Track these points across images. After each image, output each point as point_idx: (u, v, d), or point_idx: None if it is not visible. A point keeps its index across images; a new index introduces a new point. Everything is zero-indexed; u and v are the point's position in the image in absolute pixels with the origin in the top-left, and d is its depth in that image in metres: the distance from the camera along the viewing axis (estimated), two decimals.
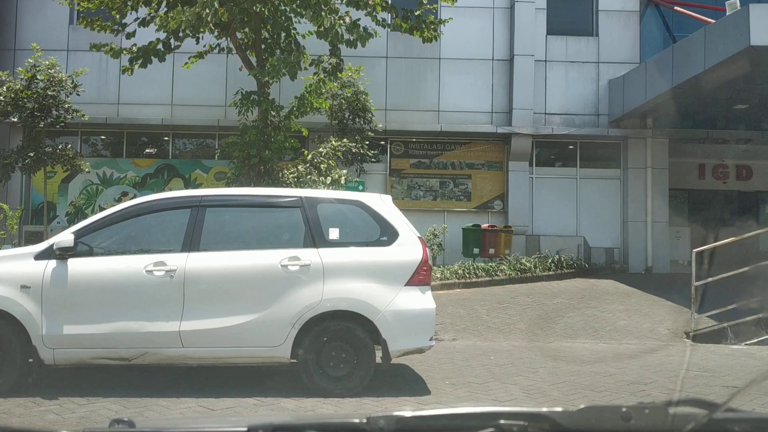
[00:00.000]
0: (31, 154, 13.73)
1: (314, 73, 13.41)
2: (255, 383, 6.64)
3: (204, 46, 14.10)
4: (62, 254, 6.15)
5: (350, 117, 15.79)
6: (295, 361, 6.26)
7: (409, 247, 6.51)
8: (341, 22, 12.06)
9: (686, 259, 17.63)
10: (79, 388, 6.20)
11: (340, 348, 6.29)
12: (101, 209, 14.03)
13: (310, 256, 6.33)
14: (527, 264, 14.92)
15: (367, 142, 15.62)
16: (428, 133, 17.85)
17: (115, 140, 18.31)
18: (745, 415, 1.79)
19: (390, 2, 13.39)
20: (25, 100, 13.73)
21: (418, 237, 6.66)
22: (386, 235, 6.54)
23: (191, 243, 6.31)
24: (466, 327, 10.58)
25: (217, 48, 14.24)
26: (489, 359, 8.31)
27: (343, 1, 12.65)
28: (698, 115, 17.11)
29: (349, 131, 15.51)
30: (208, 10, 11.06)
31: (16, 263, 6.22)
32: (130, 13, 13.41)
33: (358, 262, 6.40)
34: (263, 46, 13.44)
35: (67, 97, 14.13)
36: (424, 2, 13.71)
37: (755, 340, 10.05)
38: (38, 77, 13.89)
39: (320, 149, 13.45)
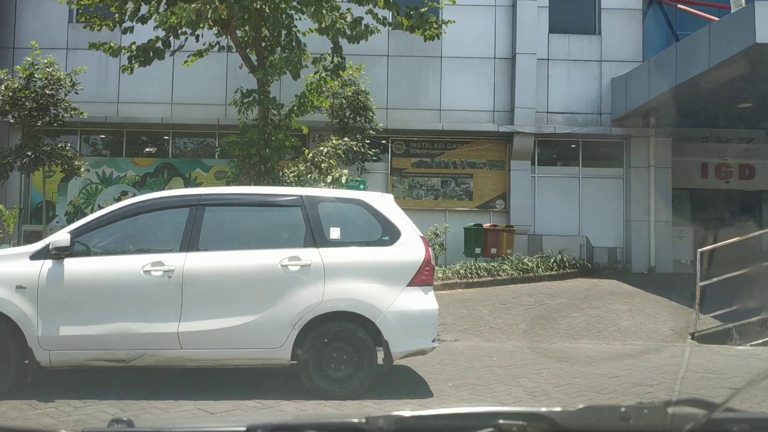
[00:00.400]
0: (30, 153, 13.63)
1: (315, 72, 13.32)
2: (255, 385, 6.53)
3: (204, 45, 14.00)
4: (58, 254, 6.05)
5: (351, 116, 15.69)
6: (295, 362, 6.15)
7: (411, 246, 6.40)
8: (342, 20, 11.97)
9: (689, 258, 17.55)
10: (76, 391, 6.10)
11: (341, 349, 6.18)
12: (101, 209, 13.93)
13: (310, 256, 6.22)
14: (529, 264, 14.82)
15: (368, 141, 15.53)
16: (430, 132, 17.75)
17: (115, 139, 18.22)
18: (744, 415, 1.78)
19: (392, 0, 13.29)
20: (24, 98, 13.63)
21: (421, 236, 6.55)
22: (388, 234, 6.43)
23: (190, 242, 6.20)
24: (468, 327, 10.48)
25: (217, 46, 14.14)
26: (492, 360, 8.20)
27: None
28: (701, 113, 16.99)
29: (350, 130, 15.41)
30: (207, 7, 10.97)
31: (12, 263, 6.11)
32: (130, 11, 13.32)
33: (360, 262, 6.29)
34: (264, 44, 13.34)
35: (66, 95, 14.03)
36: (428, 1, 13.61)
37: (761, 341, 9.93)
38: (36, 76, 13.78)
39: (321, 148, 13.37)
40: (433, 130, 17.59)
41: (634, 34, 18.06)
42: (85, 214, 16.44)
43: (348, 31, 12.24)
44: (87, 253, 6.17)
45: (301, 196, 6.57)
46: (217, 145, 17.52)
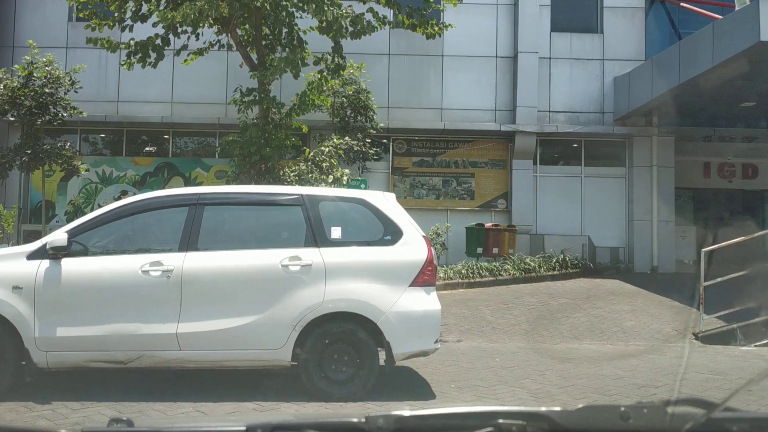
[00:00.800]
0: (29, 152, 13.55)
1: (318, 71, 13.23)
2: (254, 387, 6.45)
3: (204, 43, 13.92)
4: (55, 254, 5.96)
5: (352, 115, 15.61)
6: (295, 364, 6.06)
7: (413, 246, 6.31)
8: (344, 13, 11.89)
9: (691, 258, 17.48)
10: (74, 392, 6.01)
11: (343, 351, 6.09)
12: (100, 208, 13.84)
13: (311, 255, 6.13)
14: (531, 264, 14.74)
15: (369, 141, 15.45)
16: (431, 131, 17.67)
17: (115, 138, 18.15)
18: (743, 415, 1.77)
19: None
20: (23, 97, 13.55)
21: (423, 236, 6.46)
22: (390, 234, 6.34)
23: (189, 242, 6.12)
24: (470, 328, 10.39)
25: (218, 44, 14.06)
26: (495, 361, 8.12)
27: None
28: (704, 112, 16.90)
29: (350, 129, 15.33)
30: (210, 6, 10.90)
31: (8, 263, 6.02)
32: (130, 9, 13.25)
33: (361, 262, 6.20)
34: (264, 43, 13.26)
35: (66, 94, 13.95)
36: (431, 1, 13.53)
37: (765, 342, 9.83)
38: (35, 74, 13.70)
39: (322, 147, 13.29)
40: (435, 129, 17.51)
41: (636, 33, 17.97)
42: (84, 214, 16.36)
43: (349, 27, 12.15)
44: (85, 252, 6.08)
45: (301, 195, 6.48)
46: (217, 145, 17.43)
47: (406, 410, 1.70)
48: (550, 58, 17.76)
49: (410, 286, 6.19)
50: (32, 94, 13.57)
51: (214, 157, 17.71)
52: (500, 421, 1.66)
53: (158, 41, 13.18)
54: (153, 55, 13.25)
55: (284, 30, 13.10)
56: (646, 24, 18.07)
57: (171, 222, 6.36)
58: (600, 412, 1.74)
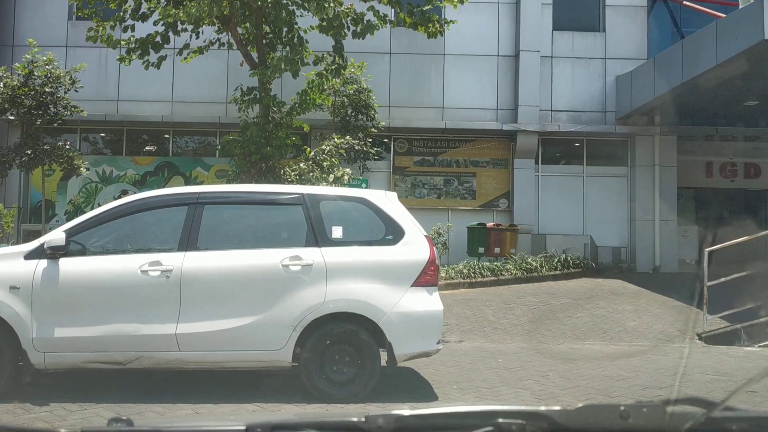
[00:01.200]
0: (29, 152, 13.48)
1: (316, 72, 13.16)
2: (255, 388, 6.38)
3: (204, 41, 13.85)
4: (53, 253, 5.89)
5: (353, 114, 15.55)
6: (296, 365, 5.98)
7: (415, 246, 6.24)
8: (345, 12, 11.82)
9: (694, 258, 17.41)
10: (71, 394, 5.95)
11: (344, 351, 6.02)
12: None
13: (312, 255, 6.06)
14: (533, 263, 14.67)
15: (370, 140, 15.38)
16: (432, 131, 17.61)
17: (115, 138, 18.09)
18: (743, 414, 1.78)
19: None
20: (23, 96, 13.49)
21: (425, 236, 6.39)
22: (392, 233, 6.27)
23: (188, 242, 6.04)
24: (472, 328, 10.32)
25: (218, 43, 13.99)
26: (497, 362, 8.05)
27: None
28: (707, 111, 16.82)
29: (351, 128, 15.27)
30: (207, 7, 10.85)
31: (5, 263, 5.96)
32: (130, 7, 13.19)
33: (363, 261, 6.13)
34: (265, 42, 13.19)
35: (66, 93, 13.89)
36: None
37: None
38: (36, 73, 13.64)
39: (323, 147, 13.22)
40: (436, 128, 17.44)
41: (638, 32, 17.90)
42: (84, 214, 16.29)
43: (351, 26, 12.08)
44: (83, 252, 6.02)
45: (302, 194, 6.40)
46: (217, 144, 17.37)
47: (405, 409, 1.69)
48: (552, 56, 17.69)
49: (412, 286, 6.11)
50: (32, 93, 13.51)
51: (215, 157, 17.66)
52: (500, 420, 1.65)
53: (158, 38, 13.11)
54: (152, 53, 13.17)
55: (285, 29, 13.01)
56: (648, 23, 17.99)
57: (170, 221, 6.29)
58: (600, 411, 1.74)
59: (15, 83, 13.58)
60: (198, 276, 5.95)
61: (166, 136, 18.07)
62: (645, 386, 6.86)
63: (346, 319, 6.04)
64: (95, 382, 6.39)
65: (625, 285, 14.13)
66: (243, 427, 1.71)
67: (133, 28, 13.29)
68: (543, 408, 1.70)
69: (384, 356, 6.14)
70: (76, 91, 14.03)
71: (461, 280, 13.54)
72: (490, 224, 15.99)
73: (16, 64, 14.26)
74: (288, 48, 12.85)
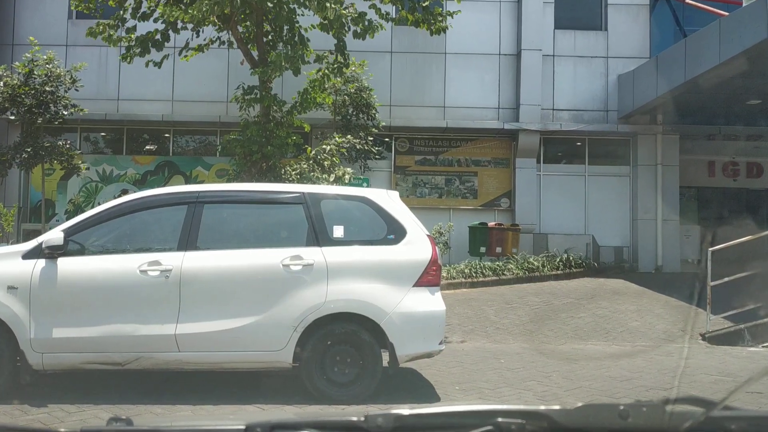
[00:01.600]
0: (29, 150, 13.43)
1: (318, 69, 13.10)
2: (255, 389, 6.33)
3: (205, 40, 13.79)
4: (51, 253, 5.82)
5: (354, 113, 15.49)
6: (297, 365, 5.92)
7: (417, 245, 6.17)
8: (346, 12, 11.75)
9: (696, 257, 17.34)
10: (70, 395, 5.88)
11: (345, 352, 5.95)
12: None
13: (313, 255, 5.99)
14: (535, 263, 14.62)
15: (372, 139, 15.32)
16: (433, 130, 17.54)
17: (115, 137, 18.03)
18: (742, 413, 1.77)
19: None
20: (23, 95, 13.43)
21: (427, 235, 6.32)
22: (393, 233, 6.20)
23: (188, 241, 5.98)
24: (474, 328, 10.26)
25: (218, 41, 13.92)
26: (499, 362, 7.99)
27: None
28: (709, 110, 16.75)
29: (352, 127, 15.21)
30: (208, 9, 10.79)
31: (3, 263, 5.90)
32: (130, 6, 13.13)
33: (364, 261, 6.06)
34: (265, 40, 13.12)
35: (66, 92, 13.83)
36: None
37: None
38: (36, 72, 13.58)
39: (324, 146, 13.15)
40: (437, 127, 17.38)
41: (641, 30, 17.84)
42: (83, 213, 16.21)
43: (352, 26, 12.01)
44: (81, 252, 5.95)
45: (303, 193, 6.33)
46: (218, 143, 17.31)
47: (405, 409, 1.68)
48: (553, 55, 17.63)
49: (414, 286, 6.05)
50: (32, 92, 13.45)
51: (215, 156, 17.60)
52: (499, 419, 1.65)
53: (158, 36, 13.05)
54: (153, 51, 13.11)
55: (286, 27, 12.94)
56: (650, 21, 17.92)
57: (170, 221, 6.22)
58: (599, 411, 1.74)
59: (15, 82, 13.53)
60: (198, 276, 5.89)
61: (167, 135, 18.01)
62: (649, 387, 6.80)
63: (347, 320, 5.97)
64: (94, 383, 6.34)
65: (628, 285, 14.07)
66: (242, 427, 1.70)
67: (135, 28, 13.24)
68: (542, 407, 1.69)
69: (386, 357, 6.07)
70: (77, 90, 13.97)
71: (463, 280, 13.49)
72: (491, 224, 15.93)
73: (17, 63, 14.20)
74: (289, 46, 12.78)
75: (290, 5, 12.21)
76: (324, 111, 14.98)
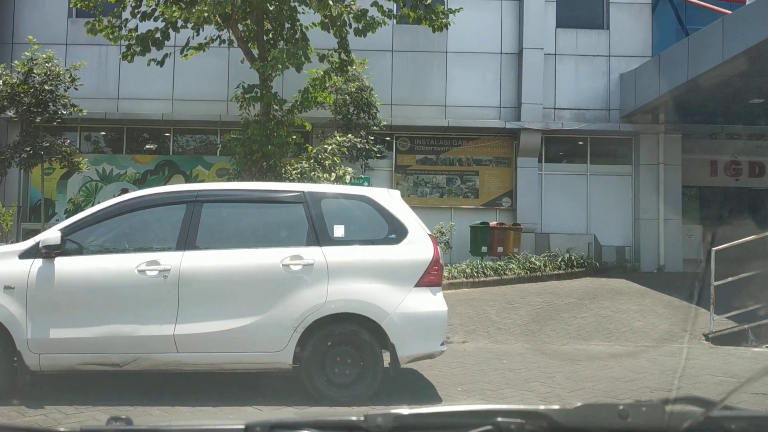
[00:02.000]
0: (28, 149, 13.37)
1: (323, 70, 13.01)
2: (255, 390, 6.25)
3: (205, 38, 13.72)
4: (48, 253, 5.75)
5: (355, 112, 15.42)
6: (297, 366, 5.85)
7: (419, 245, 6.10)
8: (348, 9, 11.68)
9: (698, 257, 17.25)
10: (68, 396, 5.82)
11: (346, 353, 5.88)
12: None
13: (313, 254, 5.92)
14: (537, 263, 14.55)
15: (372, 138, 15.25)
16: (435, 129, 17.47)
17: (115, 136, 17.98)
18: (742, 413, 1.77)
19: None
20: (22, 94, 13.37)
21: (429, 235, 6.25)
22: (395, 232, 6.12)
23: (187, 241, 5.90)
24: (476, 329, 10.19)
25: (218, 40, 13.85)
26: (502, 363, 7.91)
27: None
28: (712, 109, 16.68)
29: (353, 126, 15.14)
30: (209, 9, 10.73)
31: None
32: (130, 4, 13.06)
33: (365, 261, 5.98)
34: (266, 38, 13.05)
35: (65, 91, 13.77)
36: None
37: None
38: (35, 71, 13.52)
39: (325, 145, 13.09)
40: (439, 126, 17.31)
41: (643, 29, 17.76)
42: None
43: (354, 23, 11.93)
44: (79, 251, 5.88)
45: (303, 192, 6.26)
46: (218, 142, 17.24)
47: (404, 408, 1.68)
48: (555, 54, 17.56)
49: (416, 286, 5.97)
50: (32, 90, 13.40)
51: (216, 155, 17.54)
52: (499, 419, 1.65)
53: (158, 35, 12.98)
54: (153, 50, 13.05)
55: (287, 25, 12.87)
56: (652, 20, 17.85)
57: (168, 220, 6.15)
58: (599, 411, 1.73)
59: (14, 81, 13.47)
60: (196, 276, 5.82)
61: (167, 134, 17.95)
62: (653, 389, 6.72)
63: (347, 320, 5.90)
64: (92, 384, 6.26)
65: (630, 284, 14.00)
66: (242, 426, 1.69)
67: (136, 28, 13.18)
68: (542, 407, 1.69)
69: (387, 358, 6.00)
70: (76, 88, 13.92)
71: (464, 280, 13.42)
72: (493, 223, 15.86)
73: (16, 62, 14.14)
74: (290, 43, 12.70)
75: (291, 3, 12.14)
76: (325, 110, 14.91)
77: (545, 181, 17.72)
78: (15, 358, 5.71)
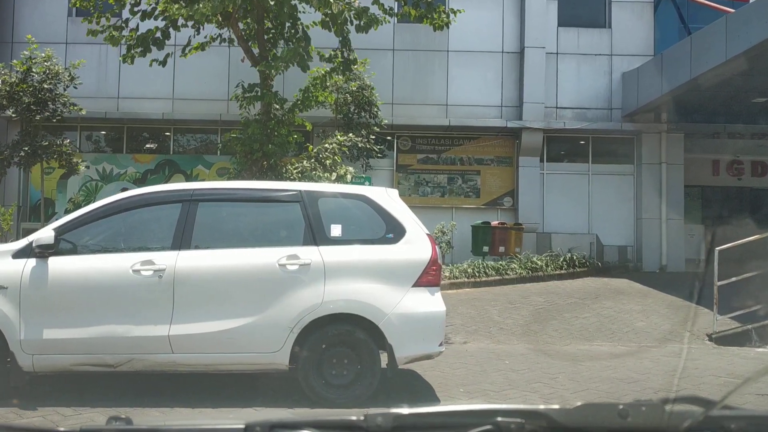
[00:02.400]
0: (26, 148, 13.31)
1: (325, 69, 12.94)
2: (251, 392, 6.19)
3: (205, 37, 13.65)
4: (42, 252, 5.68)
5: (356, 111, 15.36)
6: (293, 367, 5.77)
7: (417, 245, 6.01)
8: (349, 6, 11.60)
9: (700, 257, 17.16)
10: (66, 397, 5.75)
11: (343, 354, 5.80)
12: None
13: (310, 254, 5.84)
14: (538, 262, 14.47)
15: (373, 137, 15.18)
16: (436, 128, 17.39)
17: (115, 135, 17.93)
18: (741, 413, 1.77)
19: None
20: (21, 93, 13.32)
21: (427, 234, 6.16)
22: (392, 232, 6.04)
23: (182, 240, 5.83)
24: (477, 329, 10.11)
25: (219, 39, 13.77)
26: (504, 364, 7.83)
27: None
28: (714, 108, 16.59)
29: (354, 126, 15.08)
30: (211, 8, 10.66)
31: None
32: (129, 2, 12.98)
33: (362, 261, 5.90)
34: (267, 37, 12.98)
35: (65, 90, 13.72)
36: None
37: None
38: (34, 70, 13.47)
39: (325, 144, 13.02)
40: (440, 125, 17.23)
41: (645, 28, 17.67)
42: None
43: (354, 20, 11.85)
44: (73, 251, 5.80)
45: (300, 191, 6.18)
46: (219, 141, 17.18)
47: (404, 408, 1.67)
48: (557, 53, 17.48)
49: (413, 286, 5.89)
50: (31, 89, 13.35)
51: (216, 154, 17.48)
52: (499, 419, 1.65)
53: (158, 34, 12.90)
54: (154, 49, 12.97)
55: (288, 23, 12.79)
56: (654, 18, 17.77)
57: (163, 219, 6.08)
58: (598, 410, 1.73)
59: (14, 80, 13.42)
60: (192, 276, 5.74)
61: (167, 133, 17.89)
62: (657, 389, 6.65)
63: (345, 321, 5.82)
64: (90, 386, 6.19)
65: (632, 284, 13.92)
66: (242, 426, 1.69)
67: (137, 28, 13.10)
68: (542, 407, 1.69)
69: (384, 359, 5.92)
70: (76, 87, 13.87)
71: (465, 280, 13.34)
72: (494, 223, 15.78)
73: (14, 61, 14.09)
74: (292, 42, 12.62)
75: (291, 2, 12.06)
76: (326, 109, 14.85)
77: (547, 181, 17.64)
78: (8, 359, 5.64)
